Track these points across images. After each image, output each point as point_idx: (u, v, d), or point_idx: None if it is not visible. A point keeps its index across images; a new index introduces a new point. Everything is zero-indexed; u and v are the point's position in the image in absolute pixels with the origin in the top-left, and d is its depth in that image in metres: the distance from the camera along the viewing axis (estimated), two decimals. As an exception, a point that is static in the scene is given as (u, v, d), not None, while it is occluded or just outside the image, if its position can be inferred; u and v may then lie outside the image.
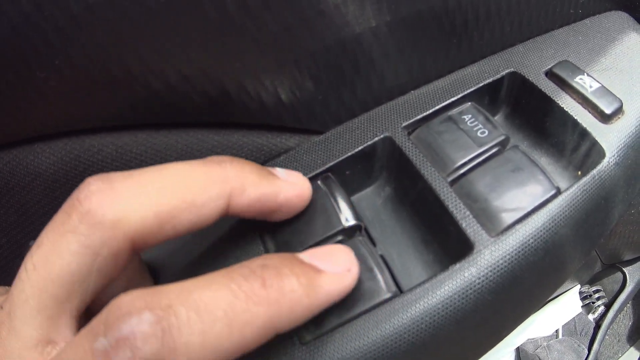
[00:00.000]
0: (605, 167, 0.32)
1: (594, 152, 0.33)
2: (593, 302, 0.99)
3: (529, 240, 0.28)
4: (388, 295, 0.25)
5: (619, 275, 0.98)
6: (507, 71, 0.36)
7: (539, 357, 0.94)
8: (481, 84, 0.35)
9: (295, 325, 0.23)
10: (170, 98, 0.29)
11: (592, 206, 0.31)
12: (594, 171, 0.31)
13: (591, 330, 0.98)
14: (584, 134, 0.33)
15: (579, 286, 0.99)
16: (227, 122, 0.32)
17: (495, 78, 0.36)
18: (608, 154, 0.32)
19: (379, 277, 0.26)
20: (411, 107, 0.34)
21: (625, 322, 1.07)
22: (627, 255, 0.93)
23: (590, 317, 0.99)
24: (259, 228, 0.30)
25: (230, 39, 0.27)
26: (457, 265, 0.26)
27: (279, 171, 0.28)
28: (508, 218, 0.28)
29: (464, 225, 0.28)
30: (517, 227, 0.28)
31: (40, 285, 0.23)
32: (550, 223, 0.29)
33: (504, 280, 0.27)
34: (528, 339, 0.96)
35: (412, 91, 0.36)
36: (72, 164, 0.33)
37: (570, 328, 0.99)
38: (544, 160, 0.35)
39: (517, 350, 0.96)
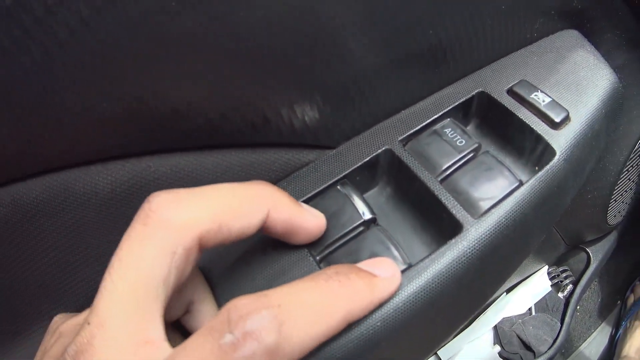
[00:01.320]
0: (556, 163, 0.39)
1: (547, 152, 0.40)
2: (561, 281, 1.04)
3: (501, 219, 0.35)
4: (404, 266, 0.33)
5: (583, 255, 1.03)
6: (476, 91, 0.43)
7: (515, 333, 0.98)
8: (457, 103, 0.42)
9: (361, 317, 0.29)
10: (223, 126, 0.34)
11: (547, 193, 0.38)
12: (547, 167, 0.38)
13: (562, 307, 1.03)
14: (538, 138, 0.40)
15: (546, 267, 1.05)
16: (260, 143, 0.38)
17: (467, 97, 0.43)
18: (558, 153, 0.39)
19: (396, 253, 0.33)
20: (404, 124, 0.41)
21: (595, 299, 1.13)
22: (589, 236, 0.98)
23: (560, 295, 1.04)
24: None
25: (274, 77, 0.33)
26: (453, 241, 0.33)
27: (303, 204, 0.33)
28: (485, 205, 0.36)
29: (454, 212, 0.35)
30: (493, 210, 0.35)
31: (131, 292, 0.25)
32: (516, 207, 0.36)
33: (486, 249, 0.35)
34: (504, 318, 1.00)
35: (403, 111, 0.42)
36: (129, 183, 0.36)
37: (542, 305, 1.03)
38: (508, 160, 0.41)
39: (495, 328, 1.00)
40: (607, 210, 0.85)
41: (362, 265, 0.30)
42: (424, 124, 0.41)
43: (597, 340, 1.10)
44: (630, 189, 0.86)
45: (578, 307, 1.13)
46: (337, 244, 0.34)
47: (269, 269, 0.34)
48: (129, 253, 0.26)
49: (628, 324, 1.06)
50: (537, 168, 0.40)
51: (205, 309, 0.32)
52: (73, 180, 0.34)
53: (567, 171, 0.40)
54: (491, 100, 0.43)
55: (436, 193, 0.36)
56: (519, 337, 0.99)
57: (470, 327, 0.99)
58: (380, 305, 0.30)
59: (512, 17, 0.44)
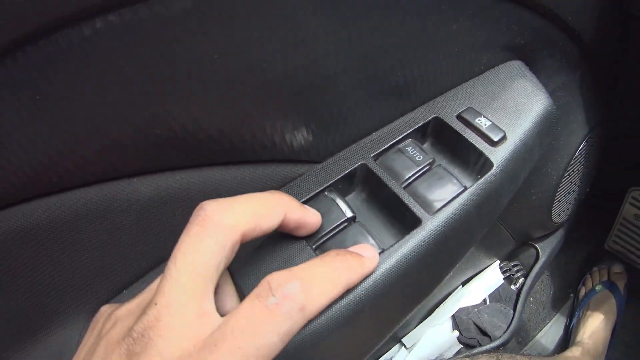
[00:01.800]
0: (493, 173, 0.46)
1: (487, 164, 0.47)
2: (513, 275, 1.10)
3: (450, 215, 0.43)
4: (379, 251, 0.41)
5: (532, 250, 1.10)
6: (432, 116, 0.51)
7: (472, 320, 1.04)
8: (416, 126, 0.50)
9: (355, 285, 0.37)
10: (242, 147, 0.41)
11: (486, 196, 0.46)
12: (487, 176, 0.46)
13: (514, 297, 1.09)
14: (480, 154, 0.47)
15: (498, 262, 1.11)
16: (267, 159, 0.45)
17: (425, 122, 0.50)
18: (495, 165, 0.46)
19: (372, 242, 0.41)
20: (376, 143, 0.49)
21: (547, 292, 1.19)
22: (537, 233, 1.06)
23: (513, 287, 1.10)
24: None
25: (285, 112, 0.41)
26: (414, 231, 0.42)
27: (306, 206, 0.40)
28: (438, 205, 0.44)
29: (414, 210, 0.43)
30: (443, 209, 0.43)
31: (192, 276, 0.30)
32: (461, 206, 0.44)
33: (439, 237, 0.43)
34: (460, 308, 1.06)
35: (374, 133, 0.50)
36: (166, 192, 0.41)
37: (496, 296, 1.09)
38: (456, 171, 0.49)
39: (453, 317, 1.06)
40: (552, 210, 0.92)
41: (352, 249, 0.39)
42: (390, 143, 0.49)
43: (552, 330, 1.16)
44: (573, 190, 0.93)
45: (532, 299, 1.19)
46: (328, 236, 0.42)
47: (278, 257, 0.41)
48: (190, 247, 0.31)
49: (581, 314, 1.12)
50: (479, 177, 0.47)
51: (227, 290, 0.37)
52: (119, 189, 0.39)
53: (502, 179, 0.48)
54: (443, 124, 0.50)
55: (400, 196, 0.44)
56: (475, 324, 1.03)
57: (430, 316, 1.04)
58: (366, 278, 0.39)
59: (463, 57, 0.51)
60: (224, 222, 0.32)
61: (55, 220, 0.38)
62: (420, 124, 0.51)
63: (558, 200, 0.92)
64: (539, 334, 1.16)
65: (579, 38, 0.61)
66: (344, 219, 0.43)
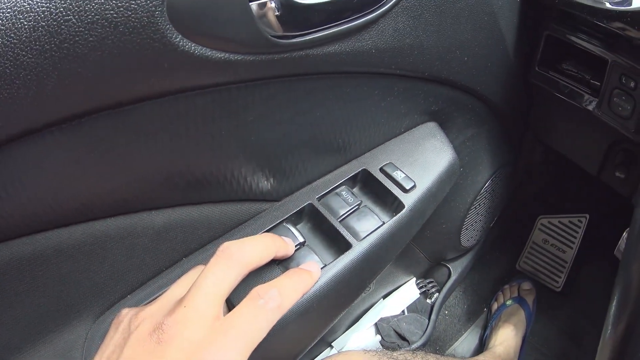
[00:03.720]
0: (404, 212, 0.59)
1: (400, 206, 0.59)
2: (428, 290, 1.21)
3: (372, 242, 0.55)
4: (322, 265, 0.52)
5: (445, 270, 1.22)
6: (361, 169, 0.62)
7: (392, 328, 1.14)
8: (349, 176, 0.62)
9: (308, 290, 0.48)
10: (229, 191, 0.52)
11: (399, 228, 0.59)
12: (400, 214, 0.58)
13: (429, 309, 1.20)
14: (395, 198, 0.59)
15: (414, 279, 1.21)
16: (244, 199, 0.55)
17: (355, 172, 0.62)
18: (407, 206, 0.59)
19: (317, 259, 0.53)
20: (319, 188, 0.61)
21: (462, 307, 1.30)
22: (449, 255, 1.18)
23: (428, 301, 1.21)
24: None
25: (262, 168, 0.52)
26: (347, 252, 0.53)
27: (285, 239, 0.50)
28: (363, 234, 0.56)
29: (347, 237, 0.54)
30: (367, 237, 0.55)
31: (216, 291, 0.39)
32: (380, 235, 0.56)
33: (364, 257, 0.54)
34: (382, 318, 1.16)
35: (318, 180, 0.62)
36: (174, 221, 0.50)
37: (413, 308, 1.20)
38: (377, 209, 0.60)
39: (376, 325, 1.15)
40: (460, 236, 1.04)
41: (303, 266, 0.50)
42: (330, 188, 0.60)
43: (468, 340, 1.26)
44: (480, 220, 1.06)
45: (447, 312, 1.28)
46: None
47: (255, 272, 0.47)
48: (217, 272, 0.40)
49: (493, 325, 1.22)
50: (394, 214, 0.59)
51: None
52: (140, 219, 0.47)
53: (411, 217, 0.60)
54: (370, 175, 0.62)
55: (337, 227, 0.55)
56: (395, 331, 1.14)
57: (356, 324, 1.14)
58: (314, 284, 0.50)
59: (388, 124, 0.63)
60: (243, 260, 0.42)
61: (89, 240, 0.44)
62: (352, 174, 0.62)
63: (466, 228, 1.04)
64: (455, 343, 1.24)
65: (489, 101, 0.72)
66: (297, 243, 0.55)
